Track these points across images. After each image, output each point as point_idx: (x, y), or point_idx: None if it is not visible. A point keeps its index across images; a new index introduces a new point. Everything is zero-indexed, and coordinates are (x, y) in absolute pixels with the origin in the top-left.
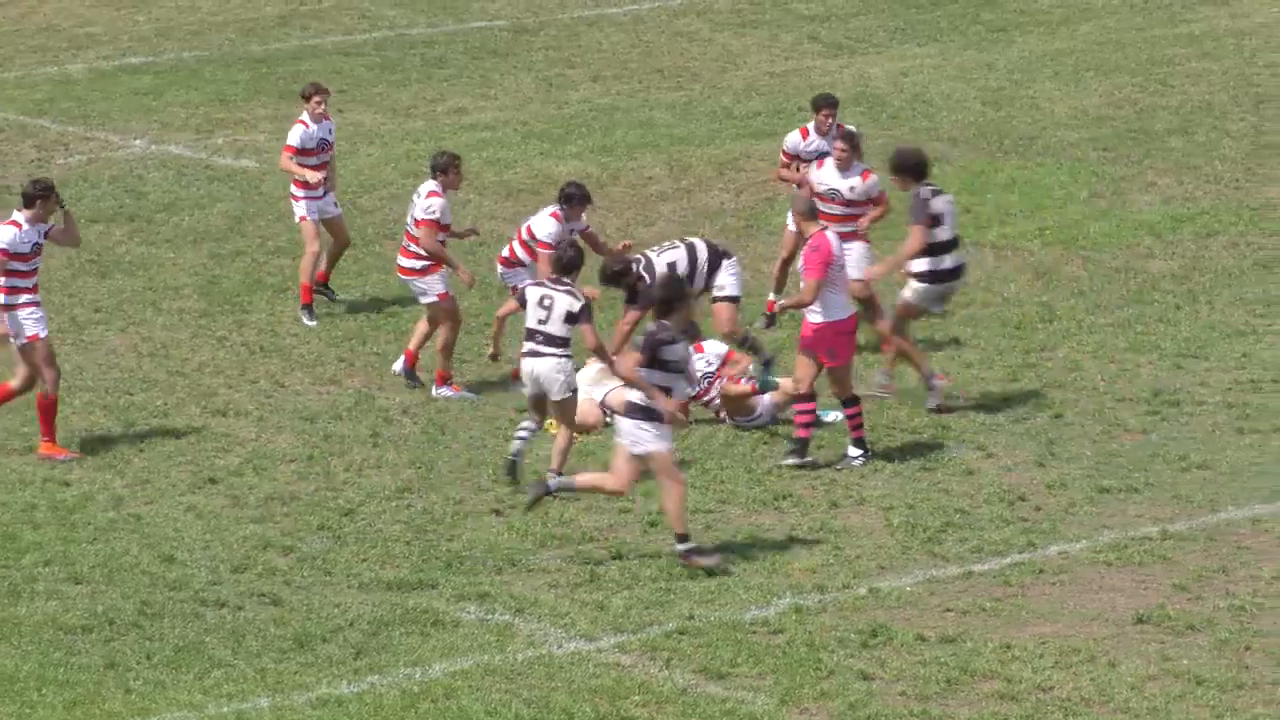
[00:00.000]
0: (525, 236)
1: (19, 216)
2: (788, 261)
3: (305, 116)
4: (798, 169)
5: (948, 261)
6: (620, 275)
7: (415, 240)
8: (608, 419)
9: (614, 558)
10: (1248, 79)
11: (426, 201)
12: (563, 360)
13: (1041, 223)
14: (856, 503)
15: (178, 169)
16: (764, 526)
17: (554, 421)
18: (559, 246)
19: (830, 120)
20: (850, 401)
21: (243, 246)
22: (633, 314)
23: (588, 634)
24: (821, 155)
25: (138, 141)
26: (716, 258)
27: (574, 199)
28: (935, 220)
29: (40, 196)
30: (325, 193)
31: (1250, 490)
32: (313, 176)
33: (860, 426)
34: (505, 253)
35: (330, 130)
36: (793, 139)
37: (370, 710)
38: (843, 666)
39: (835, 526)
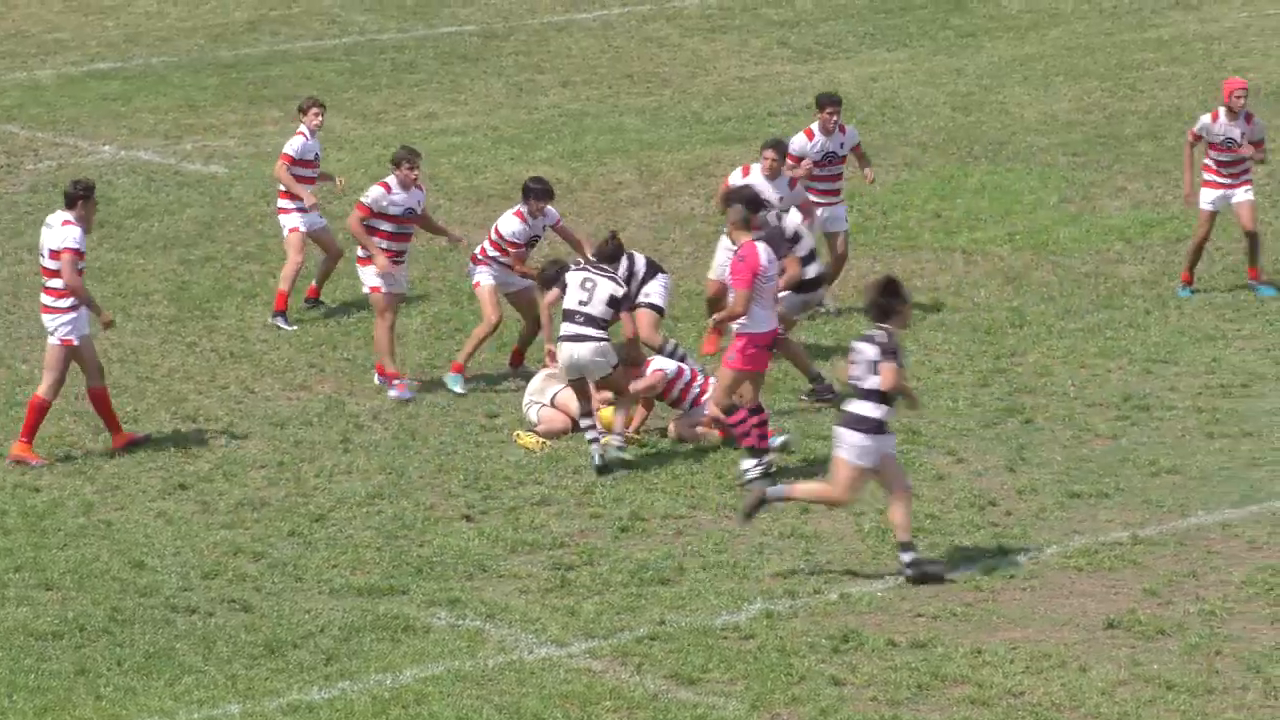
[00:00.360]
0: (495, 237)
1: (71, 216)
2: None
3: (304, 129)
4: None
5: (810, 272)
6: (557, 275)
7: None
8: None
9: (585, 563)
10: (1217, 84)
11: (371, 187)
12: (602, 344)
13: (1011, 228)
14: (827, 508)
15: (147, 175)
16: (735, 532)
17: (524, 435)
18: (525, 242)
19: (834, 119)
20: (753, 410)
21: (212, 252)
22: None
23: (559, 639)
24: (828, 155)
25: (107, 147)
26: (652, 271)
27: (533, 193)
28: (795, 239)
29: (82, 197)
30: (313, 206)
31: (1220, 495)
32: (309, 200)
33: (754, 436)
34: (476, 251)
35: (319, 146)
36: (799, 142)
37: (341, 716)
38: (814, 672)
39: (806, 532)
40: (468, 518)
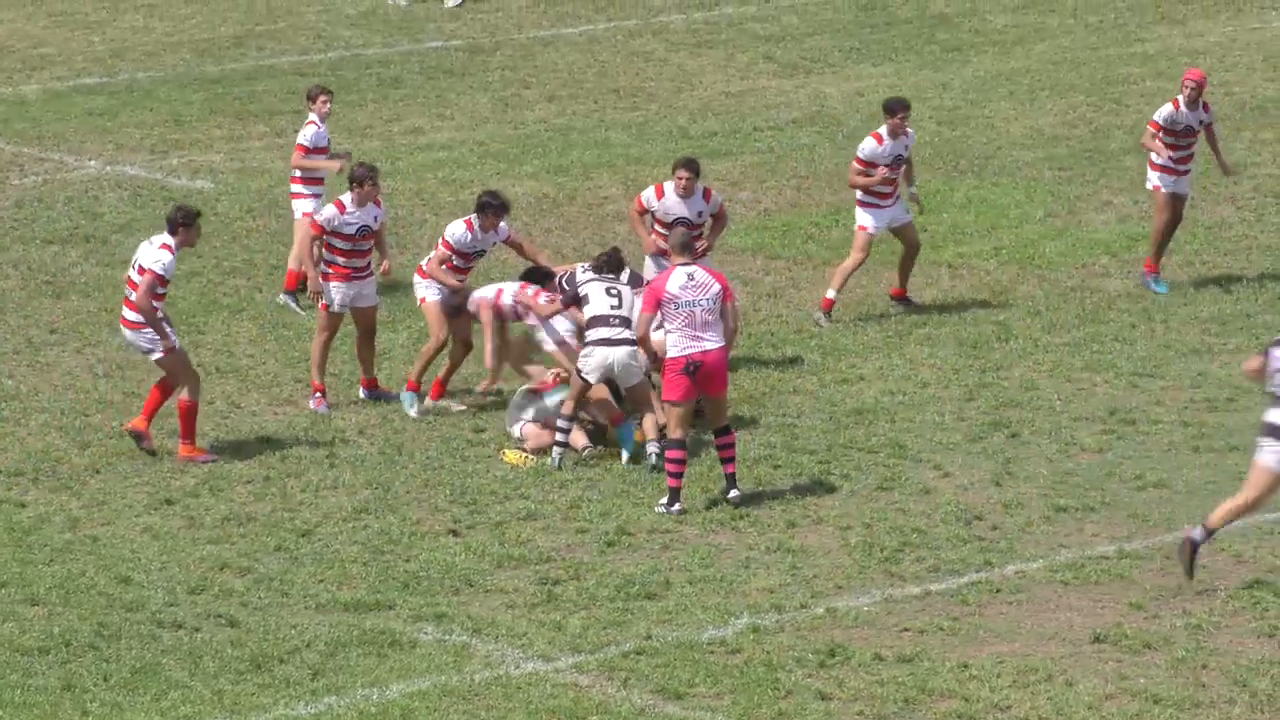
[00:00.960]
0: (440, 245)
1: (171, 241)
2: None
3: (314, 117)
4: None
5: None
6: (541, 279)
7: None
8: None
9: (572, 578)
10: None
11: (325, 210)
12: (636, 349)
13: (997, 242)
14: (814, 522)
15: (133, 190)
16: (721, 546)
17: (510, 450)
18: (469, 253)
19: (904, 123)
20: (671, 443)
21: (198, 267)
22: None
23: (545, 654)
24: (897, 159)
25: (92, 162)
26: (635, 284)
27: (491, 209)
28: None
29: (183, 224)
30: (342, 168)
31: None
32: (334, 165)
33: (675, 475)
34: (423, 264)
35: (327, 131)
36: (870, 146)
37: None
38: (800, 686)
39: (792, 546)
40: (454, 532)
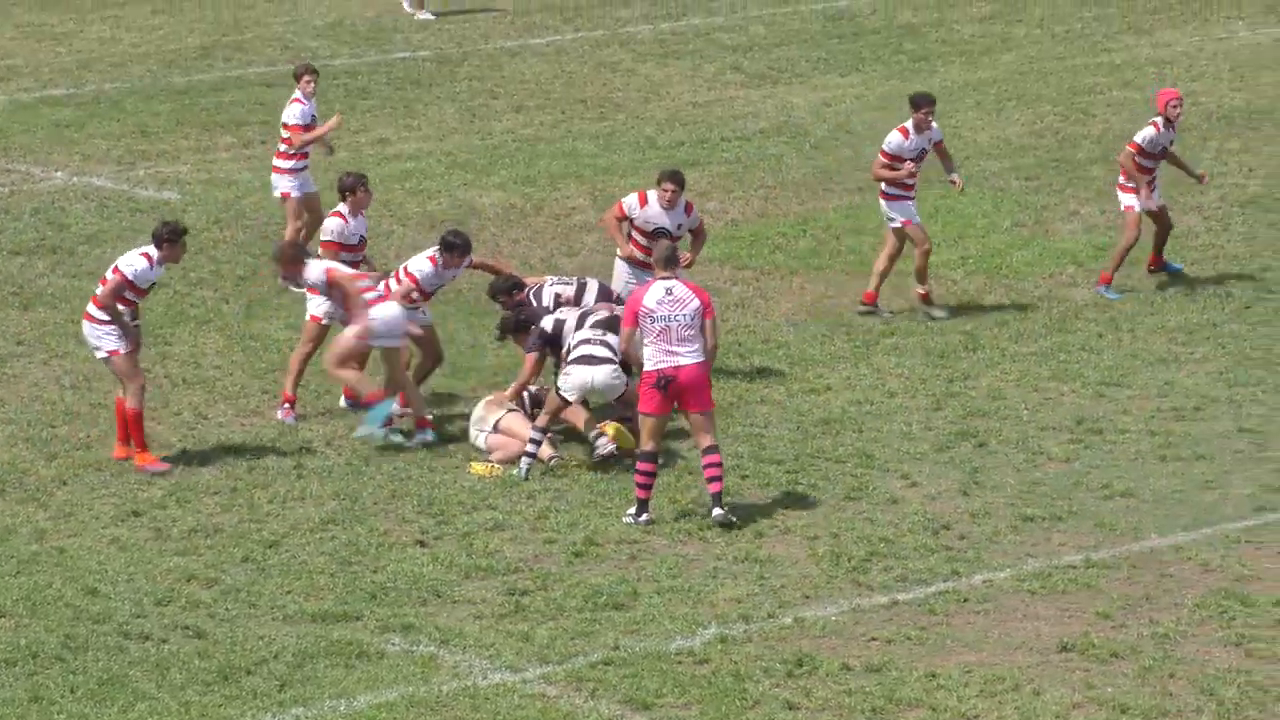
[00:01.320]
0: (402, 275)
1: (153, 253)
2: (894, 258)
3: (299, 95)
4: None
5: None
6: (509, 290)
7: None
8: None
9: (539, 588)
10: None
11: (328, 222)
12: (617, 366)
13: (964, 251)
14: (781, 532)
15: (100, 201)
16: (689, 556)
17: (476, 462)
18: (431, 291)
19: (929, 118)
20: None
21: (164, 279)
22: (531, 358)
23: (513, 665)
24: (922, 153)
25: (59, 174)
26: (604, 296)
27: (454, 248)
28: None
29: (167, 239)
30: (305, 168)
31: (1173, 518)
32: (334, 122)
33: (643, 486)
34: (381, 289)
35: (314, 107)
36: (895, 140)
37: None
38: (768, 696)
39: (760, 556)
40: (421, 543)
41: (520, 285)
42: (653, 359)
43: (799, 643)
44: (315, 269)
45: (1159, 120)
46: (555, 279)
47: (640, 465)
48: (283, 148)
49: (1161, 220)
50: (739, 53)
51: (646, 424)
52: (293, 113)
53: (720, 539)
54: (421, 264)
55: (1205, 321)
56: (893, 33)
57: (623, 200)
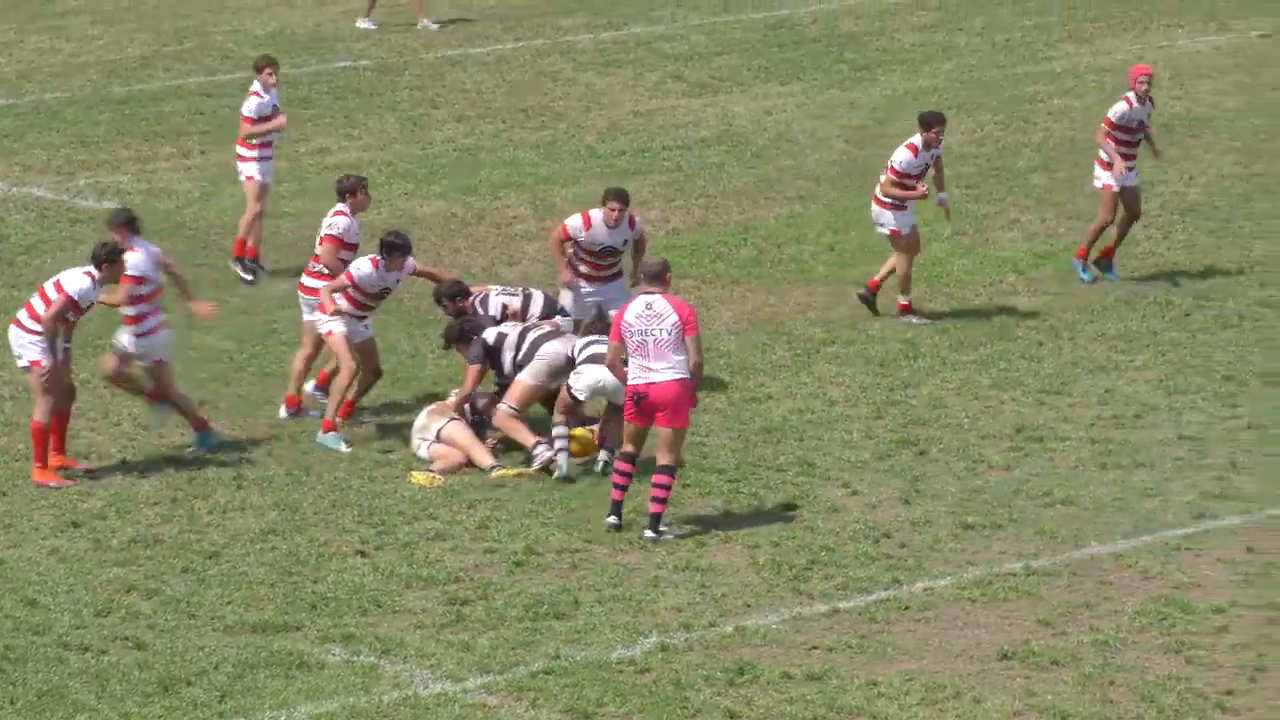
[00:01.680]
0: (343, 280)
1: (95, 273)
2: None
3: (258, 87)
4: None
5: None
6: (454, 295)
7: (319, 260)
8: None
9: (480, 598)
10: None
11: (331, 219)
12: None
13: None
14: (723, 541)
15: (39, 211)
16: (630, 565)
17: (417, 472)
18: (375, 292)
19: (940, 136)
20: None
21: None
22: (473, 369)
23: (454, 675)
24: (925, 169)
25: None
26: (550, 310)
27: (395, 248)
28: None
29: (108, 260)
30: (270, 158)
31: (1113, 525)
32: (280, 122)
33: (617, 487)
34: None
35: (276, 98)
36: (904, 157)
37: None
38: (709, 705)
39: (701, 564)
40: (362, 553)
41: (466, 292)
42: (631, 374)
43: (740, 651)
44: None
45: (1130, 95)
46: (501, 289)
47: (617, 464)
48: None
49: (1132, 205)
50: (680, 62)
51: (626, 430)
52: (249, 105)
53: (661, 548)
54: (362, 265)
55: (1145, 329)
56: (833, 41)
57: (566, 222)
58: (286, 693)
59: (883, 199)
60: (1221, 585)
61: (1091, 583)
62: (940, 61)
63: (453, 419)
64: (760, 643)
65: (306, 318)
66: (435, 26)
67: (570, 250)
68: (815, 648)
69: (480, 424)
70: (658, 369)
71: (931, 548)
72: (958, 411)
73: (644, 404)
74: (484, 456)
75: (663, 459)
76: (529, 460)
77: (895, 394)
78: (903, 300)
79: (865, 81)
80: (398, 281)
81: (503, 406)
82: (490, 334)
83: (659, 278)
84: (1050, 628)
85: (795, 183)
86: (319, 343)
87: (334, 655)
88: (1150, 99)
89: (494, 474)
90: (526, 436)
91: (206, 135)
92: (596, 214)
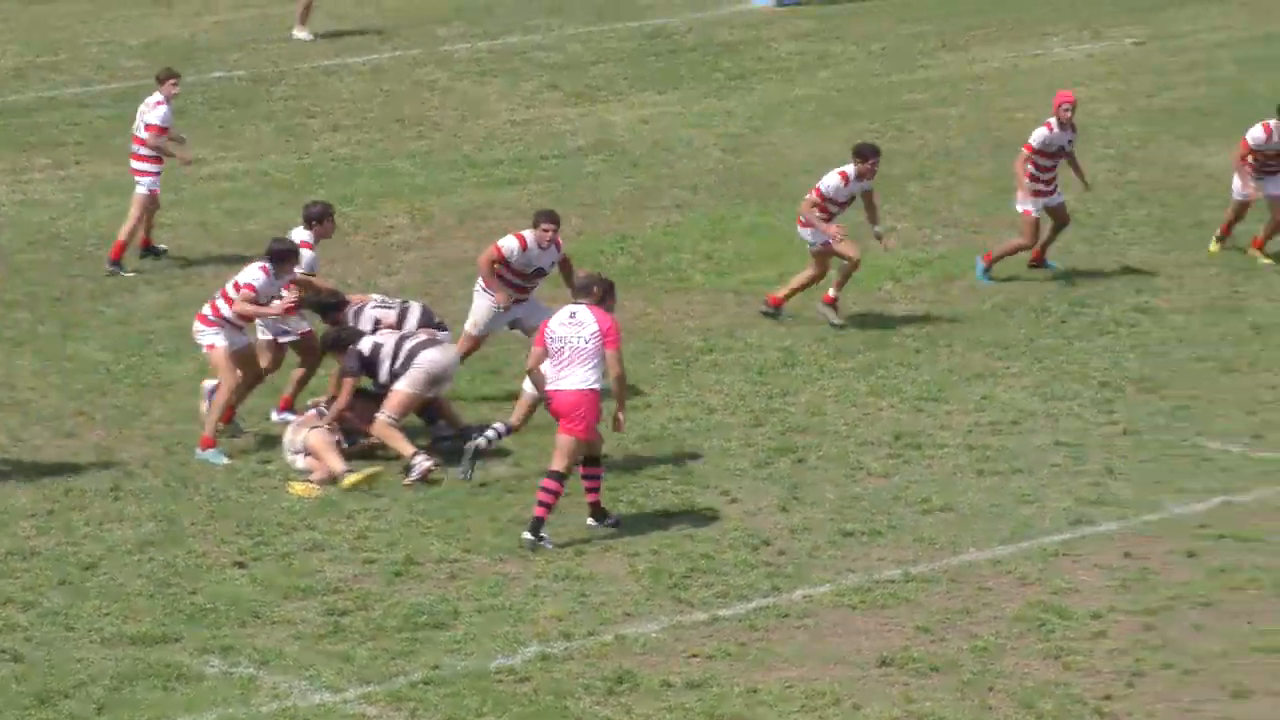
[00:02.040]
0: (231, 290)
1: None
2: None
3: (161, 97)
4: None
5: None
6: (328, 308)
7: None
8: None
9: (359, 608)
10: (984, 124)
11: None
12: None
13: (783, 268)
14: (602, 550)
15: None
16: (509, 575)
17: (295, 482)
18: (265, 301)
19: (874, 170)
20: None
21: None
22: (347, 381)
23: (333, 685)
24: (852, 199)
25: None
26: (428, 322)
27: (285, 256)
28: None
29: None
30: (160, 171)
31: (991, 531)
32: (187, 156)
33: (541, 504)
34: (206, 312)
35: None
36: (834, 183)
37: None
38: (589, 714)
39: (581, 573)
40: (240, 564)
41: (343, 303)
42: (550, 379)
43: (620, 660)
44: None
45: (1052, 121)
46: (378, 301)
47: (543, 482)
48: (140, 149)
49: (1059, 217)
50: (557, 70)
51: (556, 442)
52: (159, 114)
53: (541, 557)
54: (254, 274)
55: (1022, 336)
56: (709, 50)
57: (500, 244)
58: (165, 705)
59: (801, 217)
60: (1099, 591)
61: (970, 589)
62: (817, 70)
63: (314, 427)
64: (640, 651)
65: (265, 336)
66: (309, 38)
67: (500, 269)
68: (695, 656)
69: (347, 433)
70: (566, 376)
71: (811, 555)
72: (836, 419)
73: (550, 408)
74: (337, 463)
75: (555, 465)
76: (408, 469)
77: (774, 402)
78: (831, 294)
79: (741, 90)
80: (285, 289)
81: (381, 416)
82: (366, 344)
83: (586, 290)
84: (929, 634)
85: (672, 191)
86: (310, 351)
87: (212, 667)
88: (1073, 125)
89: (345, 481)
90: (405, 446)
91: (81, 146)
92: (530, 235)
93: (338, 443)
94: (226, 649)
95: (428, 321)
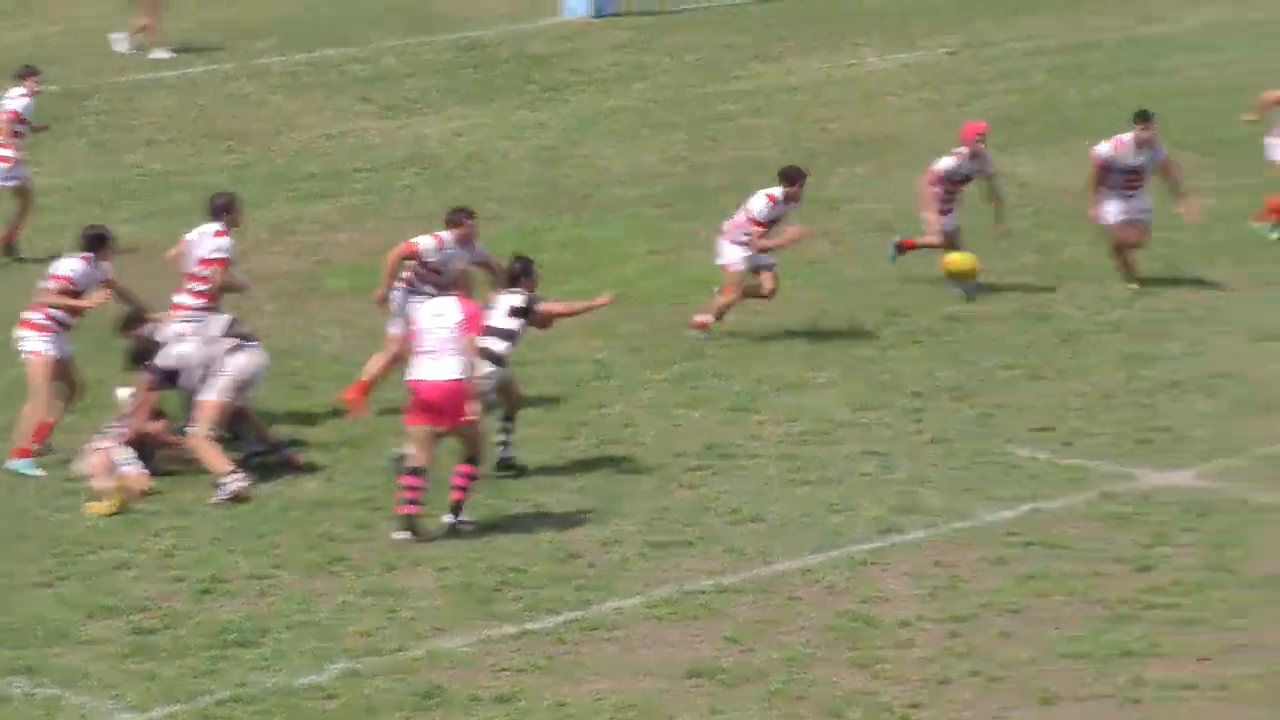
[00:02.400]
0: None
1: None
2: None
3: (25, 90)
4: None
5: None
6: (128, 322)
7: (202, 280)
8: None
9: (166, 627)
10: (796, 135)
11: (215, 241)
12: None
13: (597, 280)
14: (411, 564)
15: None
16: (318, 591)
17: (94, 502)
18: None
19: (801, 192)
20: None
21: None
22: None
23: (139, 705)
24: (778, 220)
25: None
26: (232, 331)
27: (101, 240)
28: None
29: None
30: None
31: (801, 541)
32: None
33: (406, 501)
34: (37, 318)
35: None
36: (763, 206)
37: None
38: None
39: (391, 588)
40: (45, 584)
41: (141, 319)
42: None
43: (429, 674)
44: None
45: (963, 150)
46: (180, 314)
47: (402, 479)
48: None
49: (950, 243)
50: (369, 84)
51: (410, 433)
52: (22, 104)
53: (350, 572)
54: (71, 264)
55: (834, 346)
56: (522, 62)
57: (418, 241)
58: None
59: (732, 236)
60: (907, 599)
61: (780, 599)
62: (631, 80)
63: (99, 449)
64: (449, 666)
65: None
66: (131, 50)
67: (413, 267)
68: (504, 669)
69: (148, 453)
70: (426, 365)
71: (621, 567)
72: (648, 430)
73: (414, 400)
74: (105, 484)
75: (463, 453)
76: (218, 486)
77: (587, 414)
78: (701, 319)
79: (555, 102)
80: (102, 277)
81: (197, 430)
82: (171, 357)
83: (457, 283)
84: (738, 644)
85: (486, 204)
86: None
87: (16, 688)
88: (985, 155)
89: (93, 509)
90: (221, 463)
91: None
92: (447, 234)
93: (121, 462)
94: (30, 669)
95: (232, 330)
